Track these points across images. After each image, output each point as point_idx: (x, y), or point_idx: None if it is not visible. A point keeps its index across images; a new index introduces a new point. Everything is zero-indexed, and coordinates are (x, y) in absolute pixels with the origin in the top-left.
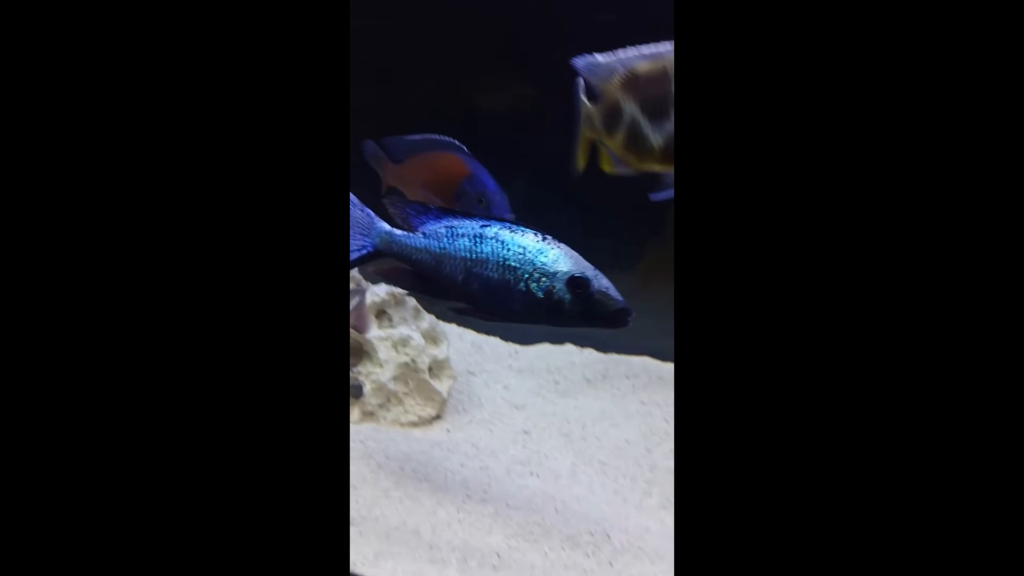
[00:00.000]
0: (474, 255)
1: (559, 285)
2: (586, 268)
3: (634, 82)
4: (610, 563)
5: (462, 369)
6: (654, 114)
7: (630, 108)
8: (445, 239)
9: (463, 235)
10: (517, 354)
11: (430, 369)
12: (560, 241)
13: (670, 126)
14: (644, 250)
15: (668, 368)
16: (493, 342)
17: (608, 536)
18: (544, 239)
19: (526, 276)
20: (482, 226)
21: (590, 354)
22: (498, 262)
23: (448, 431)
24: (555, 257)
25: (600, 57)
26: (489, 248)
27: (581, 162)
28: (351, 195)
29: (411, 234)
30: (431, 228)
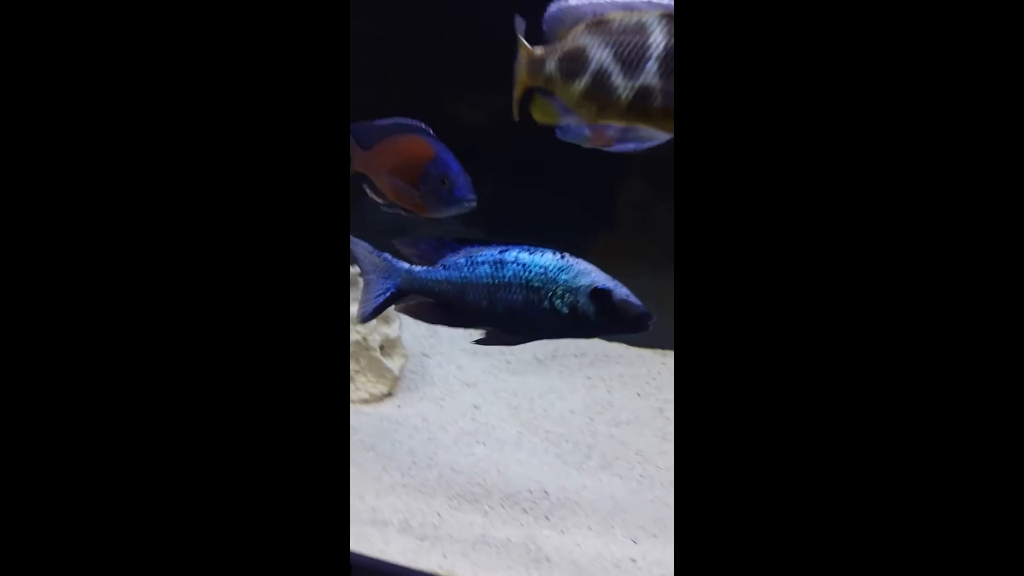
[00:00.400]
0: (497, 280)
1: (583, 299)
2: (606, 279)
3: (607, 29)
4: (547, 517)
5: (416, 351)
6: (626, 64)
7: (600, 55)
8: (466, 268)
9: (483, 262)
10: (471, 337)
11: (381, 347)
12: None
13: (642, 79)
14: (592, 236)
15: (614, 347)
16: (444, 328)
17: (546, 492)
18: (563, 256)
19: (550, 294)
20: (501, 251)
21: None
22: (521, 284)
23: (399, 407)
24: (576, 272)
25: (572, 1)
26: (511, 272)
27: (517, 111)
28: (364, 243)
29: (431, 268)
30: (450, 260)
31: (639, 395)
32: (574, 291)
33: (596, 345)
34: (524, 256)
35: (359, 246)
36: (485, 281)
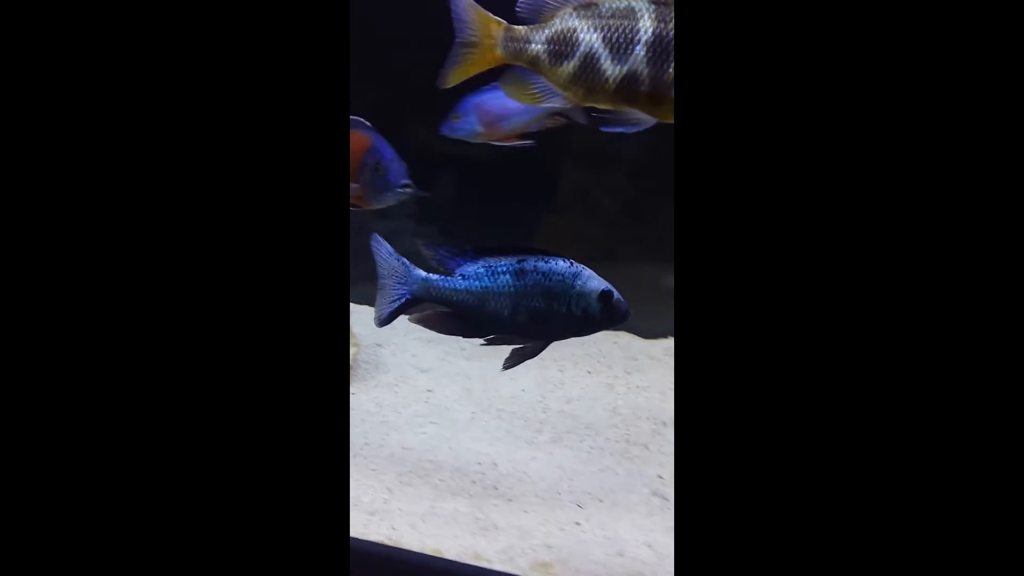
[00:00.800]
0: (518, 289)
1: (593, 302)
2: (604, 281)
3: (596, 12)
4: (495, 487)
5: (370, 342)
6: (615, 49)
7: (589, 38)
8: (486, 278)
9: (503, 272)
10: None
11: None
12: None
13: (630, 63)
14: (537, 222)
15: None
16: (401, 318)
17: (495, 464)
18: (571, 264)
19: (568, 300)
20: (519, 261)
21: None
22: (542, 292)
23: (353, 395)
24: (585, 278)
25: None
26: (532, 280)
27: (456, 79)
28: (387, 244)
29: (449, 277)
30: (469, 270)
31: (589, 372)
32: (587, 295)
33: None
34: (542, 265)
35: (382, 247)
36: (507, 290)
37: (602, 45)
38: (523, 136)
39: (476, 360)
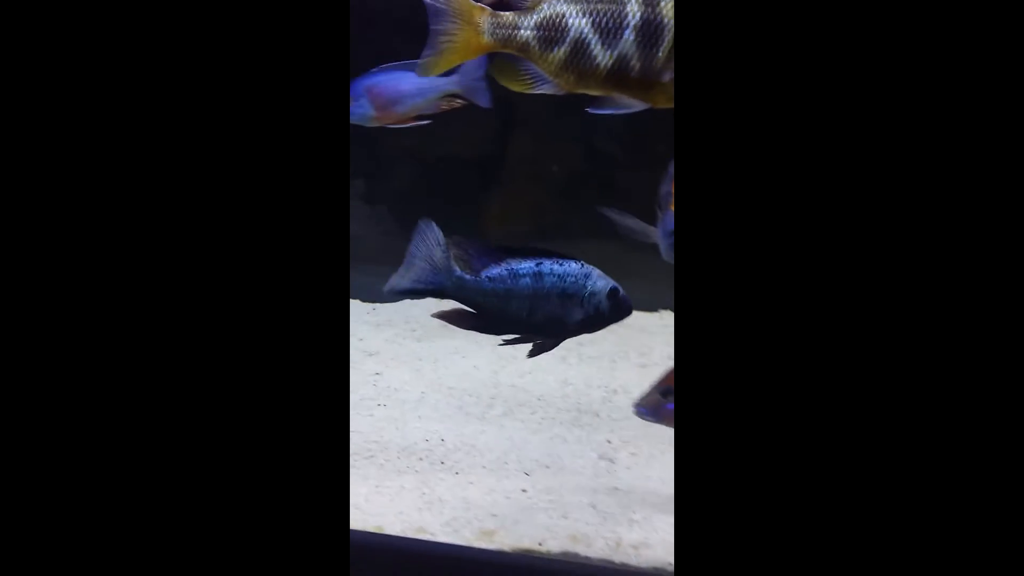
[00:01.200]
0: (537, 291)
1: (603, 300)
2: (609, 279)
3: None
4: (441, 461)
5: None
6: (604, 34)
7: (579, 24)
8: (509, 280)
9: (524, 275)
10: (375, 311)
11: None
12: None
13: (620, 48)
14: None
15: None
16: (352, 303)
17: (443, 440)
18: (582, 265)
19: (581, 299)
20: (537, 264)
21: (449, 304)
22: (558, 293)
23: None
24: (595, 277)
25: None
26: (549, 283)
27: (438, 68)
28: (437, 233)
29: (477, 279)
30: (494, 272)
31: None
32: (599, 294)
33: None
34: (557, 267)
35: (432, 233)
36: (527, 292)
37: (592, 30)
38: (418, 117)
39: (427, 341)
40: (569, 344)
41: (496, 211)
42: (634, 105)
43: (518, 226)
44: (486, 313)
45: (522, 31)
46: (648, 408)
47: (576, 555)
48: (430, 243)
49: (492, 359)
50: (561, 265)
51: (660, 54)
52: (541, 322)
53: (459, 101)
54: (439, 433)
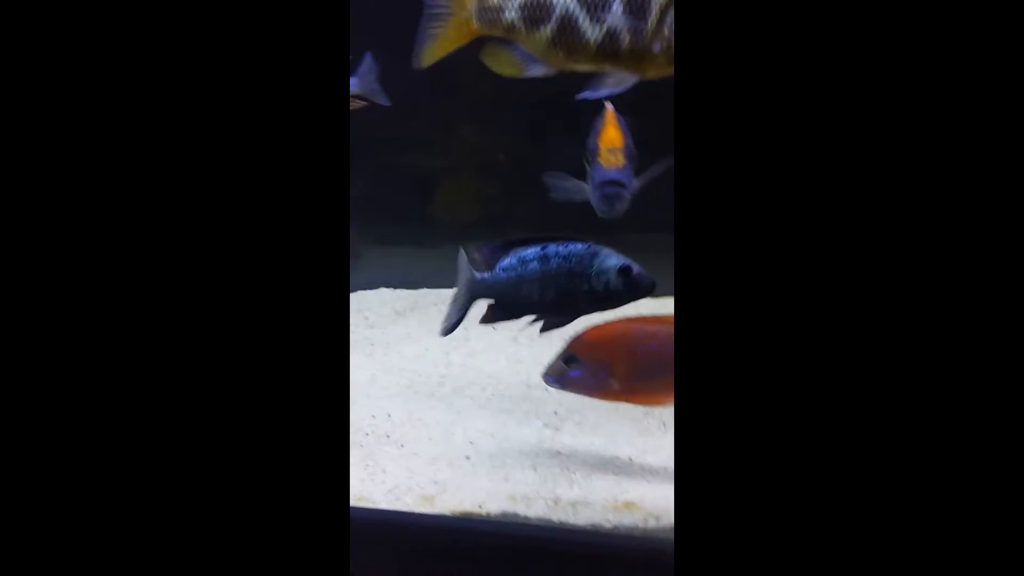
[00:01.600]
0: (545, 273)
1: (613, 277)
2: (623, 257)
3: None
4: (387, 435)
5: None
6: (592, 7)
7: (564, 1)
8: (519, 268)
9: (531, 260)
10: None
11: None
12: None
13: (609, 20)
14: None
15: None
16: None
17: (389, 415)
18: (589, 245)
19: (588, 277)
20: (543, 248)
21: (402, 292)
22: (565, 274)
23: None
24: (603, 256)
25: None
26: (555, 265)
27: (433, 57)
28: (465, 257)
29: (491, 273)
30: (505, 262)
31: (494, 328)
32: (606, 272)
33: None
34: (561, 249)
35: (463, 258)
36: (536, 276)
37: (578, 6)
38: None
39: (380, 328)
40: (520, 324)
41: (444, 201)
42: (627, 80)
43: (466, 215)
44: (505, 301)
45: (507, 13)
46: (553, 376)
47: (515, 515)
48: (463, 269)
49: (444, 341)
50: (566, 247)
51: (649, 25)
52: (553, 302)
53: (361, 102)
54: (385, 410)
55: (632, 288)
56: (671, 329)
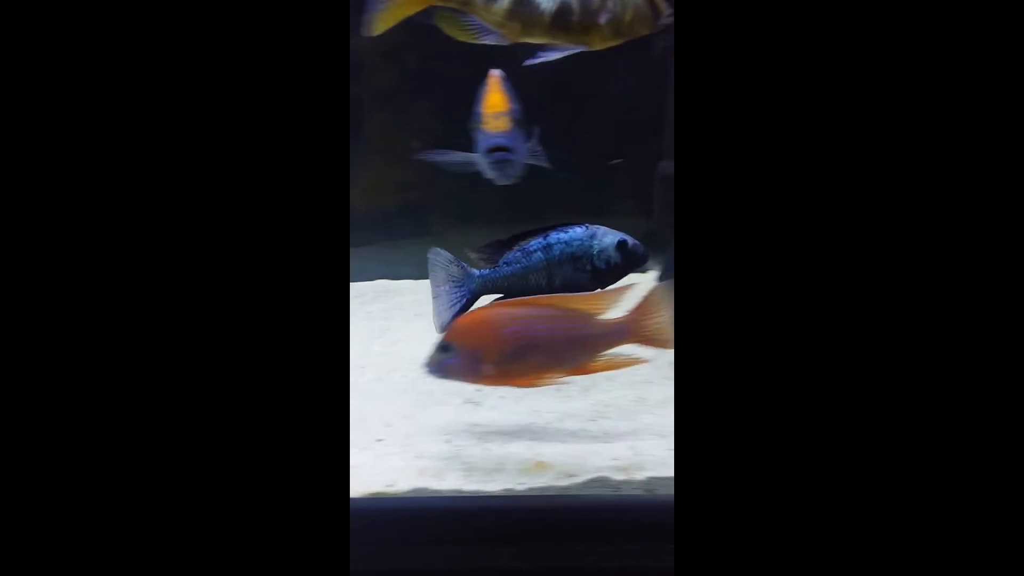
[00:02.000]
0: (550, 260)
1: (612, 253)
2: (618, 232)
3: None
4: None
5: None
6: None
7: None
8: (523, 259)
9: (535, 250)
10: None
11: None
12: None
13: None
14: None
15: (398, 283)
16: None
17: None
18: (587, 227)
19: (591, 258)
20: (544, 237)
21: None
22: (569, 257)
23: None
24: (601, 235)
25: None
26: (559, 251)
27: (383, 25)
28: (446, 253)
29: (496, 268)
30: (509, 256)
31: (416, 315)
32: (606, 249)
33: (378, 283)
34: (562, 235)
35: (440, 256)
36: (542, 265)
37: None
38: None
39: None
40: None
41: (361, 189)
42: (570, 48)
43: (383, 202)
44: (513, 293)
45: None
46: (433, 366)
47: (425, 490)
48: (444, 265)
49: (364, 333)
50: (566, 232)
51: None
52: (562, 287)
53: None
54: (364, 402)
55: (631, 260)
56: (534, 311)
